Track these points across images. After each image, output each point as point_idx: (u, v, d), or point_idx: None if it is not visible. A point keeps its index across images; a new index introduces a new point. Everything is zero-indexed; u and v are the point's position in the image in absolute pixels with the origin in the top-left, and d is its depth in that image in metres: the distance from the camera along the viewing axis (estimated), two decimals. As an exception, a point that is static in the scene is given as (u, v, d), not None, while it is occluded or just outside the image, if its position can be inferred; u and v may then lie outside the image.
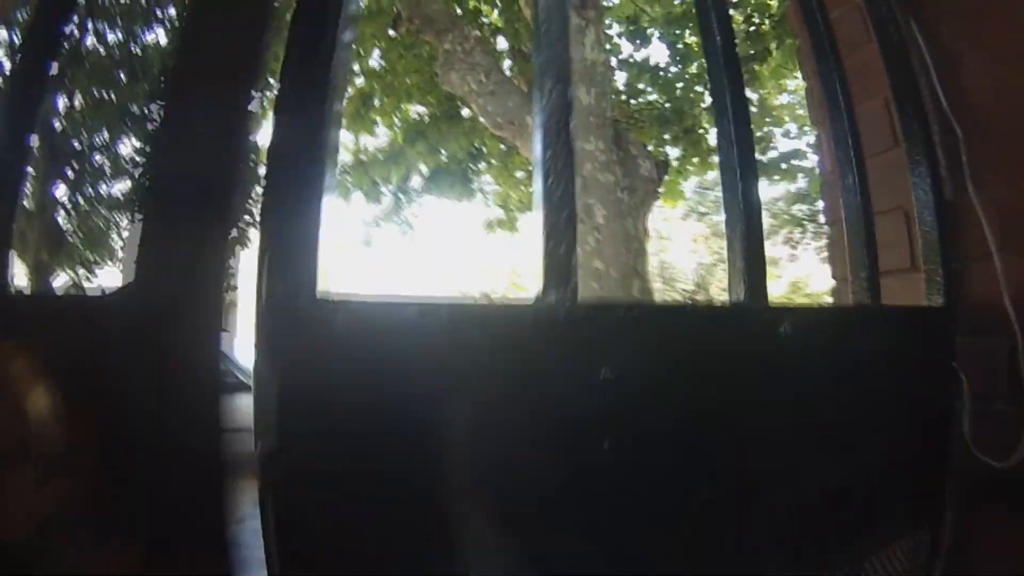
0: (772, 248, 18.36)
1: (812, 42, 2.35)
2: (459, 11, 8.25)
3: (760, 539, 1.59)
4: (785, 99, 11.36)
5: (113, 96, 8.06)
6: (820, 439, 1.71)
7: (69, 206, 8.18)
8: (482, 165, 10.28)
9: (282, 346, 1.16)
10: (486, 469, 1.33)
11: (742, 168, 1.89)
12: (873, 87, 2.42)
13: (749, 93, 9.94)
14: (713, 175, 10.44)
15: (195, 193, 1.30)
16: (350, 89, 9.35)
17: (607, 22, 9.01)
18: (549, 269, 1.37)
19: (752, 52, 9.08)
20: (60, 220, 8.03)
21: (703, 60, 10.09)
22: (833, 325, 1.90)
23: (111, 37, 8.05)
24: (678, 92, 8.90)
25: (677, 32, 9.17)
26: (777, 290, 17.99)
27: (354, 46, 8.94)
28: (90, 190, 8.27)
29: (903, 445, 1.87)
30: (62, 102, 7.86)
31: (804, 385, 1.70)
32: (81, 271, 8.42)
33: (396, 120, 9.83)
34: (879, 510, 1.86)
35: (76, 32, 7.72)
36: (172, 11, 8.21)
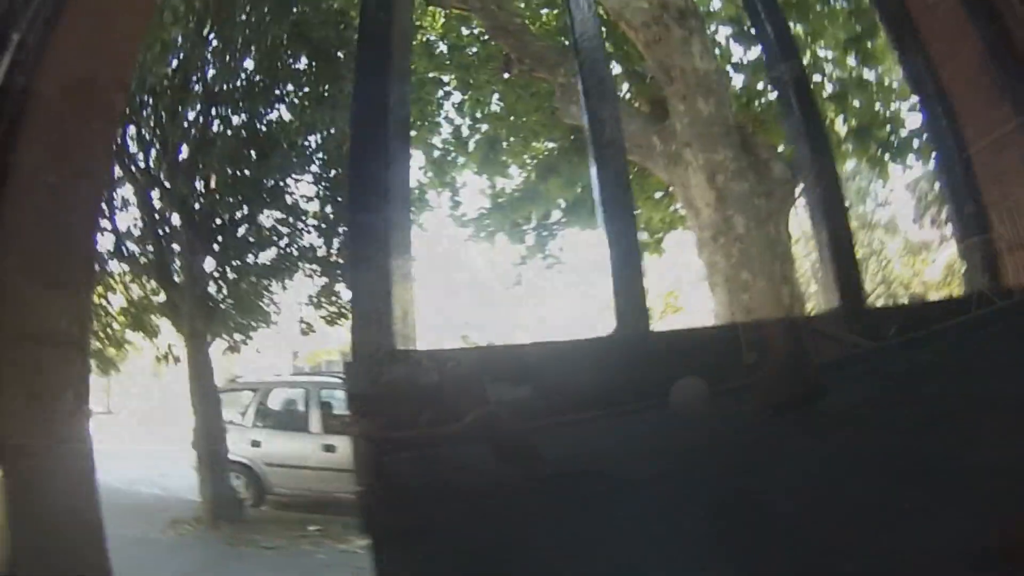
0: (920, 232, 17.02)
1: (879, 11, 2.16)
2: (566, 43, 8.28)
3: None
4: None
5: (247, 172, 8.57)
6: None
7: (218, 276, 8.74)
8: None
9: (364, 394, 1.25)
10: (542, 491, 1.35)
11: (817, 165, 1.70)
12: (960, 42, 2.15)
13: (866, 72, 9.34)
14: (852, 165, 9.85)
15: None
16: (476, 135, 9.62)
17: (713, 27, 8.78)
18: (620, 301, 1.32)
19: (859, 30, 8.57)
20: (211, 290, 8.60)
21: (814, 48, 9.56)
22: (947, 319, 1.66)
23: (236, 119, 8.59)
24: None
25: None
26: (932, 275, 16.62)
27: (471, 93, 9.25)
28: (237, 260, 8.79)
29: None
30: (200, 183, 8.49)
31: (920, 388, 1.51)
32: (237, 336, 8.98)
33: (527, 159, 9.98)
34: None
35: (201, 119, 8.35)
36: (290, 87, 8.71)
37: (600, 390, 1.29)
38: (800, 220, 8.73)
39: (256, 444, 8.91)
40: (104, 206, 7.73)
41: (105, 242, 8.16)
